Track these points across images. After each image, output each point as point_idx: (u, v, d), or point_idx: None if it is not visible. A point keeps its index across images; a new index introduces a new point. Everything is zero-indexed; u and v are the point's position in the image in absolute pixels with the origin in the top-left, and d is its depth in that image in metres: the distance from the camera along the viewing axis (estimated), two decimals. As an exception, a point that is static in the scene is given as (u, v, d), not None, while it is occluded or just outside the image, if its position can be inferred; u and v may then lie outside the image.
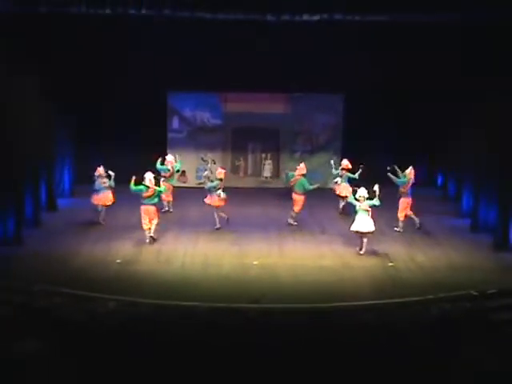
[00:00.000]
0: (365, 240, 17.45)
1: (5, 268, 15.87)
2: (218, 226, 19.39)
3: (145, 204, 18.17)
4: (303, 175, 19.87)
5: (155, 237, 18.30)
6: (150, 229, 18.20)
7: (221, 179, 19.47)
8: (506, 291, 14.74)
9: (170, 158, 21.42)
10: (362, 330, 13.08)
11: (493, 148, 18.65)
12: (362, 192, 17.48)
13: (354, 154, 21.55)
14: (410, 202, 19.40)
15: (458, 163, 21.80)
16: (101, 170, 19.58)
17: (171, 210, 21.14)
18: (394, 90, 22.81)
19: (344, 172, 20.88)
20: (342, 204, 20.97)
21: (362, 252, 17.46)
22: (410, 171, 19.47)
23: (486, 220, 19.08)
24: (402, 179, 19.39)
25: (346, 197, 19.73)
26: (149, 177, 18.23)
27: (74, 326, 12.87)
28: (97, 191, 19.62)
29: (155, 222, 18.29)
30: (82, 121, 22.64)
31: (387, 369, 11.50)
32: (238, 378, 11.28)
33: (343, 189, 20.68)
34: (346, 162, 21.05)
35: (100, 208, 19.73)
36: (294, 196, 19.87)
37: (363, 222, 17.36)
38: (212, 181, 19.53)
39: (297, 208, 19.86)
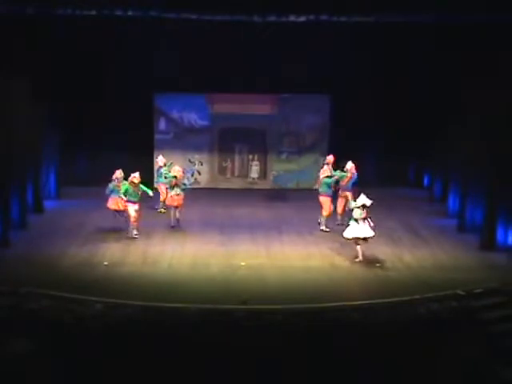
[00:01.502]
0: (358, 247, 17.32)
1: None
2: (172, 224, 19.55)
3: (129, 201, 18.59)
4: (328, 177, 19.73)
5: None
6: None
7: (175, 176, 19.54)
8: (492, 290, 14.80)
9: (159, 158, 21.40)
10: (349, 330, 13.10)
11: (480, 148, 18.71)
12: (365, 200, 17.33)
13: (340, 155, 21.53)
14: (351, 196, 19.13)
15: (445, 164, 21.86)
16: (118, 173, 19.17)
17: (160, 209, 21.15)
18: (381, 90, 22.84)
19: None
20: None
21: (360, 259, 17.22)
22: (350, 166, 19.82)
23: (473, 220, 19.14)
24: (342, 174, 19.82)
25: None
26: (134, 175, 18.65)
27: (62, 329, 12.83)
28: (109, 195, 19.15)
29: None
30: (68, 122, 22.56)
31: (375, 368, 11.54)
32: (227, 378, 11.30)
33: None
34: (330, 158, 21.01)
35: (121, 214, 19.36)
36: (321, 199, 19.60)
37: (362, 228, 17.15)
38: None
39: (325, 212, 19.55)
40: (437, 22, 17.73)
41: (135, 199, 18.58)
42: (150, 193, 19.04)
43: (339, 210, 19.77)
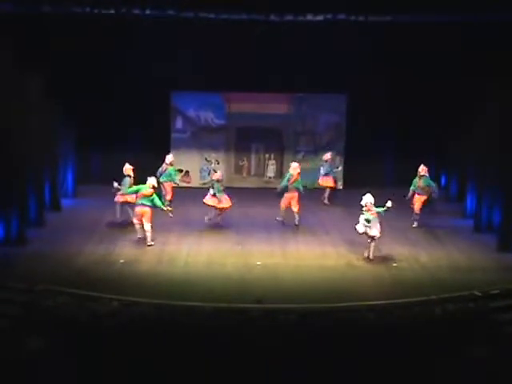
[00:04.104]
0: (372, 244, 17.34)
1: (8, 268, 15.92)
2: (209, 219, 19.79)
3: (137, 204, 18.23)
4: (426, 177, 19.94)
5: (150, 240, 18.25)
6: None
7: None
8: (509, 291, 14.74)
9: (169, 156, 21.34)
10: (364, 330, 13.08)
11: (496, 148, 18.62)
12: (370, 199, 17.31)
13: (357, 154, 21.53)
14: (295, 197, 19.95)
15: (462, 163, 21.75)
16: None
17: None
18: (397, 89, 22.74)
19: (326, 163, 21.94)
20: (326, 194, 22.08)
21: (370, 257, 17.28)
22: (293, 167, 20.25)
23: (490, 220, 19.06)
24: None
25: (330, 187, 21.90)
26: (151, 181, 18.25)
27: (78, 326, 12.88)
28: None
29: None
30: (85, 120, 22.60)
31: (389, 369, 11.51)
32: (240, 377, 11.31)
33: (324, 180, 22.09)
34: (328, 154, 22.10)
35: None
36: (417, 197, 19.86)
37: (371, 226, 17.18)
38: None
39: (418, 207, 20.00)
40: (453, 22, 17.68)
41: (148, 203, 18.03)
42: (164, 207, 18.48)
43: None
